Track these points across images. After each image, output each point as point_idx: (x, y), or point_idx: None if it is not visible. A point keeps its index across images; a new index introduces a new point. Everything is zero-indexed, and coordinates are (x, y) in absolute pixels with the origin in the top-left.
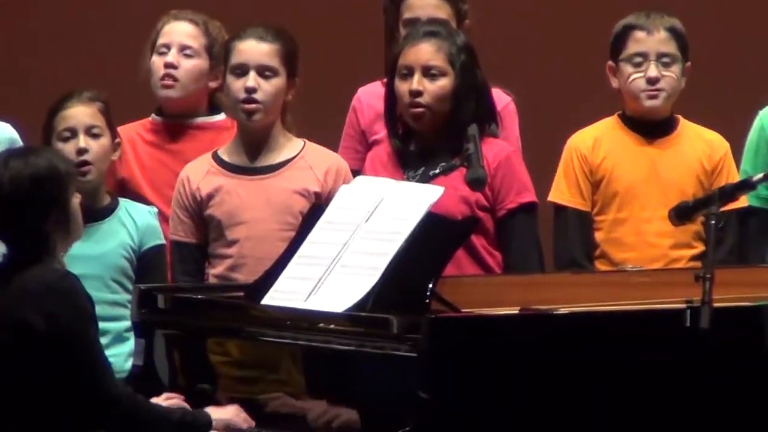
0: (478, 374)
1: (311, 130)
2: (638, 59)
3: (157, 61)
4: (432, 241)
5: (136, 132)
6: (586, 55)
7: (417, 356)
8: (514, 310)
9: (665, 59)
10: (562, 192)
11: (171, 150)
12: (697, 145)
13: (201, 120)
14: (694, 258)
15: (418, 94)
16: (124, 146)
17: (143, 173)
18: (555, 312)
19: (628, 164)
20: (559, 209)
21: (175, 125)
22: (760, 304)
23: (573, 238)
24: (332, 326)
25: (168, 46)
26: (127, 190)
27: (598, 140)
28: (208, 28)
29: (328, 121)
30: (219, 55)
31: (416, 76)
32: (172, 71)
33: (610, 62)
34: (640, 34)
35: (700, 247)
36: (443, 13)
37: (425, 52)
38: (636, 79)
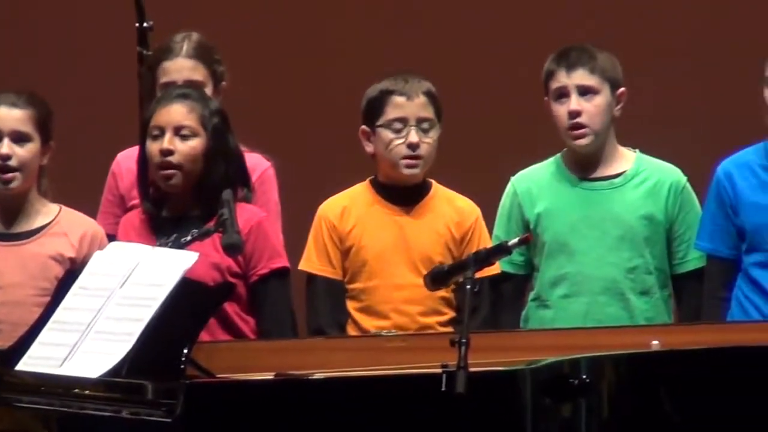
0: None
1: (70, 195)
2: (398, 125)
3: None
4: (187, 307)
5: None
6: (343, 120)
7: (172, 422)
8: (269, 376)
9: (425, 124)
10: (311, 261)
11: None
12: (447, 212)
13: None
14: (443, 324)
15: (168, 153)
16: None
17: None
18: (310, 377)
19: (377, 232)
20: (310, 278)
21: None
22: (515, 369)
23: (322, 307)
24: (87, 392)
25: None
26: None
27: (347, 209)
28: None
29: (87, 185)
30: None
31: (167, 136)
32: None
33: (364, 127)
34: (399, 99)
35: (449, 314)
36: (199, 75)
37: (177, 112)
38: (397, 145)
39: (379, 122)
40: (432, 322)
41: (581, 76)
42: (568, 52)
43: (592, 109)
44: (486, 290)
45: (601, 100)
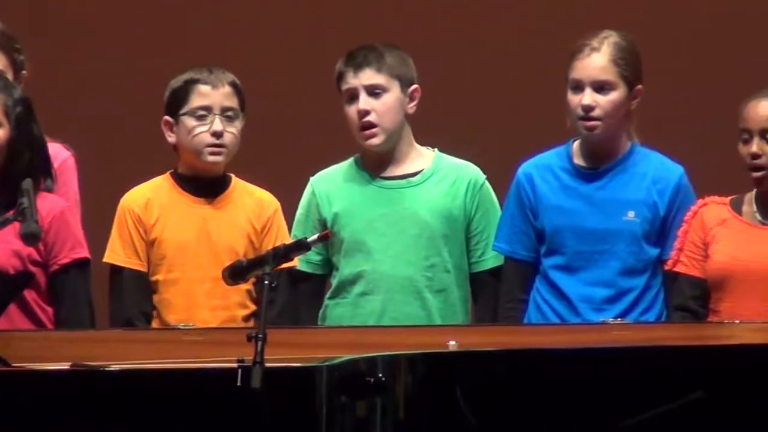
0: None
1: None
2: (202, 112)
3: None
4: None
5: None
6: (146, 113)
7: None
8: (65, 366)
9: (229, 113)
10: (117, 253)
11: None
12: (248, 203)
13: None
14: (246, 318)
15: None
16: None
17: None
18: (106, 368)
19: (179, 225)
20: (115, 270)
21: None
22: (311, 365)
23: (129, 300)
24: None
25: None
26: None
27: (151, 200)
28: None
29: None
30: None
31: None
32: None
33: (167, 117)
34: (204, 88)
35: (252, 307)
36: None
37: None
38: (200, 133)
39: (183, 110)
40: (237, 316)
41: (368, 76)
42: (356, 53)
43: (381, 107)
44: (284, 285)
45: (390, 98)
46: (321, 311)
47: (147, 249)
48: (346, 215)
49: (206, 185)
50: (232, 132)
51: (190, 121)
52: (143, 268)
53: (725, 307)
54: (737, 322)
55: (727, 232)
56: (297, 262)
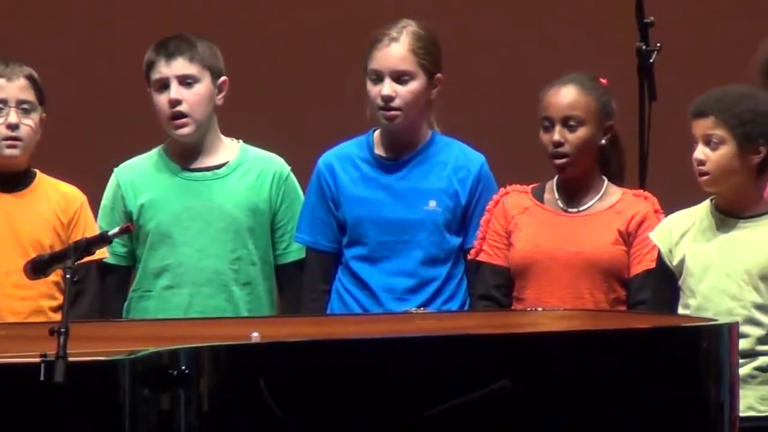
0: None
1: None
2: None
3: None
4: None
5: None
6: None
7: None
8: None
9: (25, 106)
10: None
11: None
12: (53, 197)
13: None
14: (55, 309)
15: None
16: None
17: None
18: None
19: None
20: None
21: None
22: (114, 359)
23: None
24: None
25: None
26: None
27: None
28: None
29: None
30: None
31: None
32: None
33: None
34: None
35: (60, 299)
36: None
37: None
38: None
39: None
40: (45, 307)
41: (181, 65)
42: (167, 42)
43: (192, 98)
44: (93, 277)
45: (201, 89)
46: (126, 304)
47: None
48: (151, 207)
49: (9, 179)
50: (28, 124)
51: None
52: None
53: (529, 294)
54: (540, 309)
55: (529, 220)
56: (106, 254)
